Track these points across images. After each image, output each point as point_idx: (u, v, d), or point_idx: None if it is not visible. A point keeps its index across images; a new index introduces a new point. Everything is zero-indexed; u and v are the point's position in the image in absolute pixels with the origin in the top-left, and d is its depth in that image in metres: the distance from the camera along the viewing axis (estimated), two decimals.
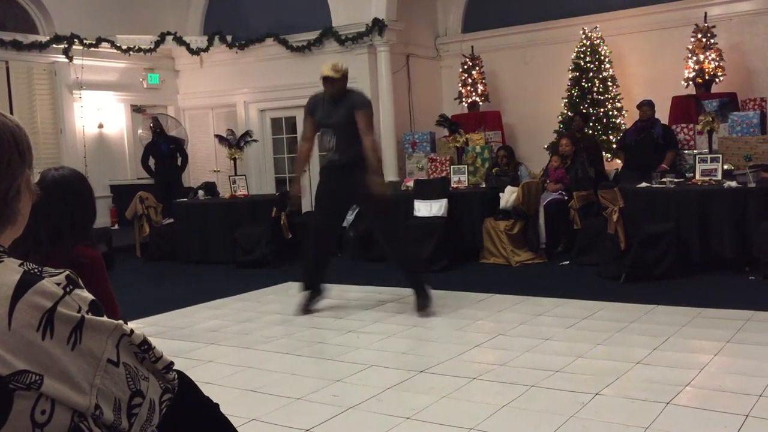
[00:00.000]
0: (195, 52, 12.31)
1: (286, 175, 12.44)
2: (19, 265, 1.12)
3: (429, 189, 8.38)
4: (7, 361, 1.03)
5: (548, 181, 8.58)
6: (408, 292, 6.52)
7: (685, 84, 9.78)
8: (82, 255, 2.31)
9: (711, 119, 7.95)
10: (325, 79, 5.56)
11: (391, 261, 5.89)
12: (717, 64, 9.62)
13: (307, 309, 5.79)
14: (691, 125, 9.09)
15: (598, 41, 10.35)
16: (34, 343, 1.05)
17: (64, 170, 2.44)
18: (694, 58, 9.67)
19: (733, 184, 6.71)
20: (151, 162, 10.89)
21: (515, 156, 9.37)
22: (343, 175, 5.58)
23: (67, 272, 1.14)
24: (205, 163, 12.87)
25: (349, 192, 5.65)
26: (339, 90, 5.56)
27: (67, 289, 1.11)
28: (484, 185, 8.89)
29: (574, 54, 10.43)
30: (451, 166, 9.22)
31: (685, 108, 9.57)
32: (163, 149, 10.81)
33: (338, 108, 5.56)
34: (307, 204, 11.93)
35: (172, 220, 9.70)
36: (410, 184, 8.93)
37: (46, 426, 1.05)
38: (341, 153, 5.57)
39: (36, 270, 1.12)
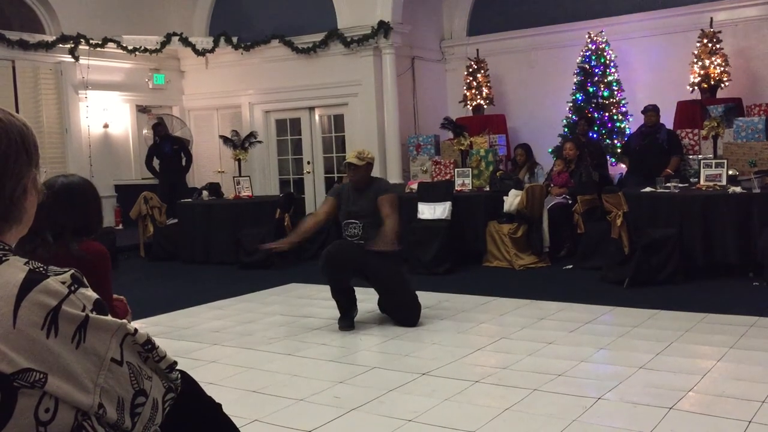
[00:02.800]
0: (200, 53, 12.35)
1: (291, 177, 12.46)
2: (25, 264, 1.13)
3: (433, 192, 8.38)
4: (11, 359, 1.03)
5: (552, 185, 8.58)
6: None
7: (691, 89, 9.77)
8: (88, 250, 2.42)
9: (716, 124, 7.94)
10: (349, 166, 5.43)
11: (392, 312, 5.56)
12: (722, 69, 9.61)
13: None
14: (696, 130, 9.08)
15: (603, 45, 10.35)
16: (39, 341, 1.05)
17: (74, 177, 2.63)
18: (700, 63, 9.66)
19: (738, 189, 6.70)
20: (156, 163, 10.92)
21: (533, 155, 9.35)
22: (362, 250, 5.33)
23: (72, 271, 1.15)
24: (209, 164, 12.89)
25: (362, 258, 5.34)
26: (362, 178, 5.42)
27: (72, 288, 1.12)
28: (488, 188, 8.89)
29: (580, 58, 10.43)
30: (456, 169, 9.22)
31: (690, 113, 9.56)
32: (167, 150, 10.83)
33: (362, 197, 5.42)
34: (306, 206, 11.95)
35: (176, 221, 9.72)
36: (414, 186, 8.93)
37: (50, 424, 1.05)
38: (366, 240, 5.33)
39: (41, 269, 1.12)
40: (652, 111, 8.58)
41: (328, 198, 5.77)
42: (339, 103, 11.67)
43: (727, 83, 9.64)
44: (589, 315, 5.50)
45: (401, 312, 5.49)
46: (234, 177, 10.01)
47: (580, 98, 10.34)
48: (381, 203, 5.33)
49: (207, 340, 5.29)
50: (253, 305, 6.51)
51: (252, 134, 10.40)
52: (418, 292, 6.58)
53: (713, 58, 9.61)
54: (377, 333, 5.33)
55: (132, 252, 9.84)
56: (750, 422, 3.29)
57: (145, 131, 12.16)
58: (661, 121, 8.72)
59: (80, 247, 2.40)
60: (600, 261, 7.15)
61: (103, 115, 12.01)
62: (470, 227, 8.20)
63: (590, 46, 10.35)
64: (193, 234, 9.34)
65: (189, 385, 1.44)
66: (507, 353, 4.62)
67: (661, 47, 10.56)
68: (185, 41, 12.22)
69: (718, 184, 6.98)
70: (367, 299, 5.83)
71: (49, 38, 11.16)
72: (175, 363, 1.30)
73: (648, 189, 7.26)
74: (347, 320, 5.46)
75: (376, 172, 10.39)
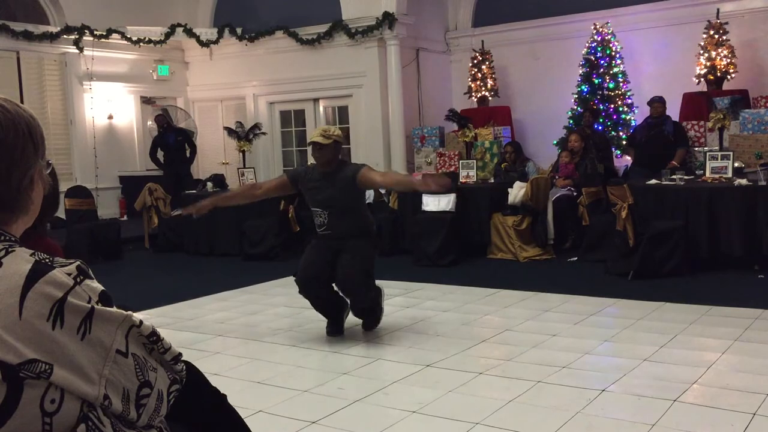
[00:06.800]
0: (205, 44, 12.33)
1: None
2: (30, 255, 1.13)
3: None
4: (17, 350, 1.03)
5: (557, 177, 8.56)
6: (416, 287, 6.53)
7: (697, 81, 9.73)
8: (51, 247, 2.31)
9: (722, 116, 7.91)
10: (314, 146, 4.77)
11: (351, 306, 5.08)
12: (729, 60, 9.57)
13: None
14: (702, 122, 9.05)
15: (609, 37, 10.31)
16: (45, 332, 1.06)
17: None
18: (706, 55, 9.62)
19: (744, 181, 6.68)
20: (160, 154, 10.93)
21: (522, 152, 9.35)
22: (336, 242, 4.85)
23: (78, 262, 1.15)
24: (213, 156, 12.90)
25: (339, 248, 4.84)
26: (328, 160, 4.78)
27: (78, 280, 1.12)
28: (492, 180, 8.88)
29: (585, 49, 10.39)
30: (460, 161, 9.20)
31: (696, 105, 9.52)
32: (171, 141, 10.84)
33: (330, 185, 4.78)
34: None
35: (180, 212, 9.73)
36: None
37: (56, 415, 1.05)
38: (333, 229, 4.83)
39: (47, 260, 1.13)
40: (657, 102, 8.55)
41: (281, 176, 5.23)
42: (343, 95, 11.66)
43: (733, 75, 9.60)
44: (593, 307, 5.50)
45: (359, 315, 5.13)
46: (238, 168, 10.02)
47: (585, 90, 10.30)
48: (365, 179, 4.76)
49: (211, 332, 5.31)
50: (258, 297, 6.52)
51: (256, 126, 10.40)
52: (421, 284, 6.60)
53: (720, 50, 9.56)
54: (381, 325, 5.32)
55: (137, 243, 9.87)
56: (754, 415, 3.29)
57: (149, 123, 12.17)
58: (667, 113, 8.69)
59: (28, 247, 2.21)
60: (605, 253, 7.13)
61: (108, 107, 12.02)
62: (475, 219, 8.19)
63: (596, 37, 10.31)
64: (197, 225, 9.32)
65: (194, 376, 1.45)
66: (511, 345, 4.62)
67: (667, 38, 10.52)
68: (189, 32, 12.21)
69: (724, 176, 6.96)
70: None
71: (54, 29, 11.16)
72: (180, 354, 1.30)
73: (653, 181, 7.25)
74: (335, 326, 5.08)
75: (380, 165, 10.38)
